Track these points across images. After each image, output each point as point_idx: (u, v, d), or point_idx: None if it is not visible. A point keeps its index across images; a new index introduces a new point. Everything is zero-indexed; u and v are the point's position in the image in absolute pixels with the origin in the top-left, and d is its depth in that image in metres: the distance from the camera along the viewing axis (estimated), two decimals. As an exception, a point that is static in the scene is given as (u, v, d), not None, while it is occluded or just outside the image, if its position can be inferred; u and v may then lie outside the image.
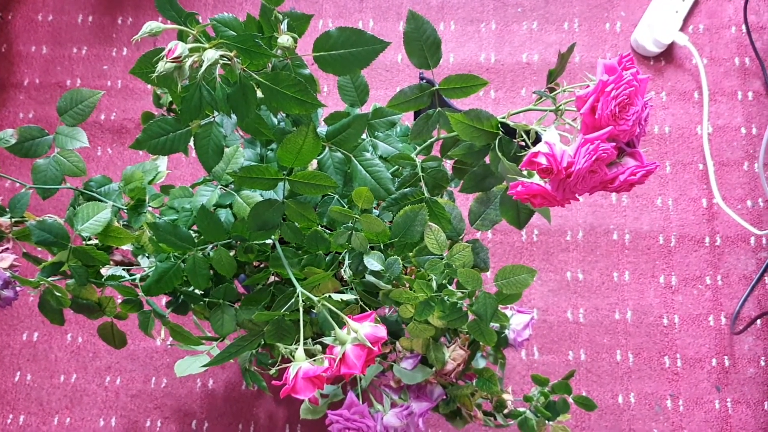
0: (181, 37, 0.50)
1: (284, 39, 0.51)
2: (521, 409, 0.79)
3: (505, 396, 0.80)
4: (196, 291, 0.71)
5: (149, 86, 1.27)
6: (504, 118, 0.56)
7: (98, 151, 1.24)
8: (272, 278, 0.79)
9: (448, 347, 0.75)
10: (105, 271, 0.72)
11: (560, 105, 0.53)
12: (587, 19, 1.28)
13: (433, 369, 0.75)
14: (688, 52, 1.25)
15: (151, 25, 0.45)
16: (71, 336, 1.15)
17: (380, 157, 0.67)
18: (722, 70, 1.25)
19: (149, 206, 0.72)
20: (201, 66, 0.45)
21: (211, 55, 0.45)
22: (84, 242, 0.71)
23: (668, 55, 1.26)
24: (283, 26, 0.52)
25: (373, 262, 0.65)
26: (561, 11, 1.29)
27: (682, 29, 1.26)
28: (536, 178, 0.53)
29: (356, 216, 0.62)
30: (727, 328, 1.14)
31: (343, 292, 0.69)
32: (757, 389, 1.12)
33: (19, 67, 1.28)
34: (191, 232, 0.65)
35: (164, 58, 0.45)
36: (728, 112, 1.23)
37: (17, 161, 1.23)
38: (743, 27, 1.27)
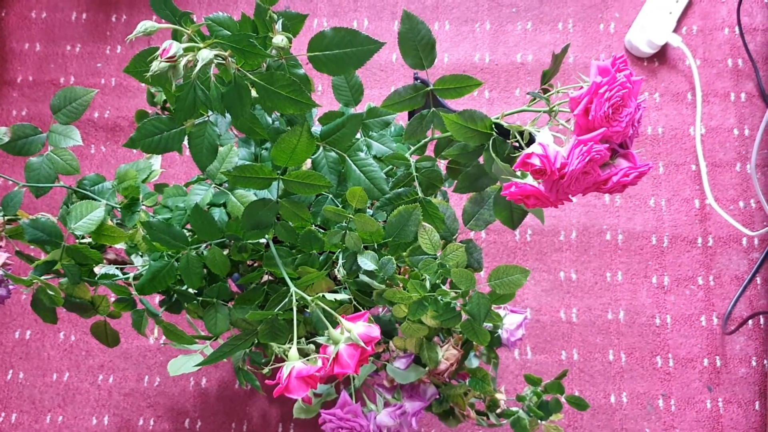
0: (176, 36, 0.50)
1: (279, 39, 0.51)
2: (514, 409, 0.80)
3: (497, 395, 0.80)
4: (190, 290, 0.71)
5: (143, 84, 1.26)
6: (498, 118, 0.56)
7: (91, 149, 1.24)
8: (265, 277, 0.79)
9: (441, 347, 0.75)
10: (98, 270, 0.72)
11: (554, 106, 0.53)
12: (581, 19, 1.29)
13: (427, 368, 0.75)
14: (681, 54, 1.26)
15: (146, 25, 0.45)
16: (64, 334, 1.15)
17: (374, 157, 0.67)
18: (715, 71, 1.26)
19: (143, 205, 0.72)
20: (195, 65, 0.45)
21: (205, 54, 0.45)
22: (77, 241, 0.71)
23: (662, 56, 1.26)
24: (278, 26, 0.52)
25: (366, 262, 0.65)
26: (555, 12, 1.29)
27: (675, 30, 1.27)
28: (530, 179, 0.53)
29: (350, 215, 0.62)
30: (719, 329, 1.15)
31: (337, 292, 0.69)
32: (748, 389, 1.12)
33: (12, 64, 1.28)
34: (185, 230, 0.65)
35: (159, 58, 0.45)
36: (721, 113, 1.24)
37: (9, 159, 1.23)
38: (736, 28, 1.27)
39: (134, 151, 1.23)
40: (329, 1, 1.30)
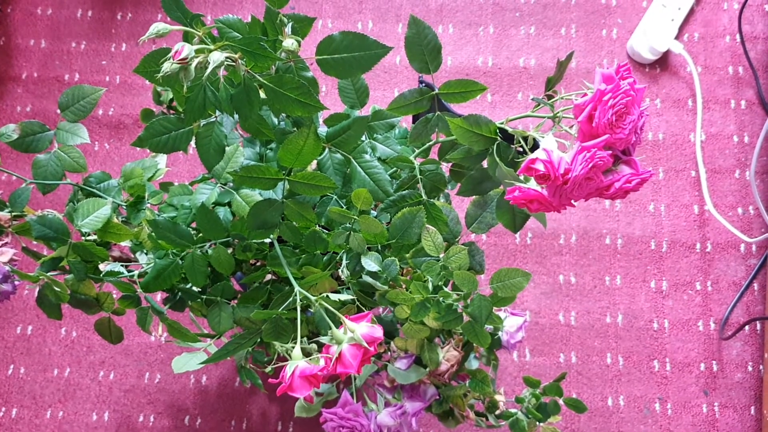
0: (187, 37, 0.51)
1: (289, 43, 0.51)
2: (513, 410, 0.80)
3: (497, 397, 0.81)
4: (194, 288, 0.72)
5: (147, 83, 1.27)
6: (502, 123, 0.57)
7: (96, 146, 1.24)
8: (268, 276, 0.79)
9: (442, 348, 0.76)
10: (103, 267, 0.72)
11: (558, 112, 0.54)
12: (584, 25, 1.29)
13: (427, 369, 0.76)
14: (682, 60, 1.27)
15: (159, 27, 0.46)
16: (65, 330, 1.16)
17: (379, 159, 0.67)
18: (716, 78, 1.27)
19: (148, 203, 0.72)
20: (206, 67, 0.46)
21: (217, 57, 0.45)
22: (83, 238, 0.71)
23: (663, 62, 1.27)
24: (288, 29, 0.53)
25: (370, 263, 0.65)
26: (558, 17, 1.30)
27: (677, 37, 1.28)
28: (533, 184, 0.54)
29: (355, 217, 0.63)
30: (715, 334, 1.16)
31: (340, 292, 0.70)
32: (744, 394, 1.13)
33: (17, 60, 1.28)
34: (190, 229, 0.66)
35: (170, 59, 0.45)
36: (721, 120, 1.25)
37: (14, 155, 1.23)
38: (737, 36, 1.28)
39: (137, 149, 1.24)
40: (334, 3, 1.31)
